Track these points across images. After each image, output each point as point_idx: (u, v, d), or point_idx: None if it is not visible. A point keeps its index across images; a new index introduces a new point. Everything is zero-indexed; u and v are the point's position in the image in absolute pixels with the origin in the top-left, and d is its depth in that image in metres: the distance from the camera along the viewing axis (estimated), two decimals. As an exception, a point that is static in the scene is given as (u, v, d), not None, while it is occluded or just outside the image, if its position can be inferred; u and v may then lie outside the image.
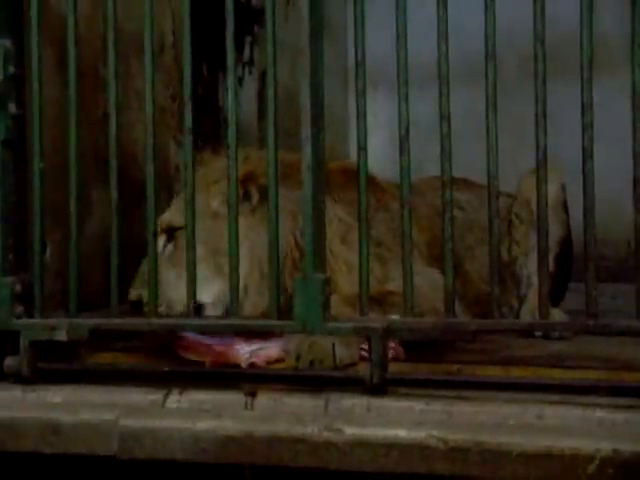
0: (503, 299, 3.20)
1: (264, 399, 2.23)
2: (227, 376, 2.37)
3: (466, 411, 2.10)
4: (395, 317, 2.37)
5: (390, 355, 2.43)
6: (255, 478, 2.25)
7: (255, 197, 2.72)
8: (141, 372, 2.42)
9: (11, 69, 2.47)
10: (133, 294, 2.59)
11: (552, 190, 3.17)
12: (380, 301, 2.59)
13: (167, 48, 3.43)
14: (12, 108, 2.46)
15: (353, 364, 2.41)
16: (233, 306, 2.33)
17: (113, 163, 2.42)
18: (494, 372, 2.37)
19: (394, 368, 2.27)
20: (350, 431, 2.05)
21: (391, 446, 2.01)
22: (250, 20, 4.09)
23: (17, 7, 2.50)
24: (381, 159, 3.28)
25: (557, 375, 2.31)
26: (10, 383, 2.40)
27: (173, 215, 2.73)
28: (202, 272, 2.50)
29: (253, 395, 2.24)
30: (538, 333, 2.84)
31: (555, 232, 3.19)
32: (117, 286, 2.41)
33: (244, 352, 2.46)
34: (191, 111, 2.36)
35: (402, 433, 2.03)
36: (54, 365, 2.42)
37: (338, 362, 2.36)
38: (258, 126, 4.08)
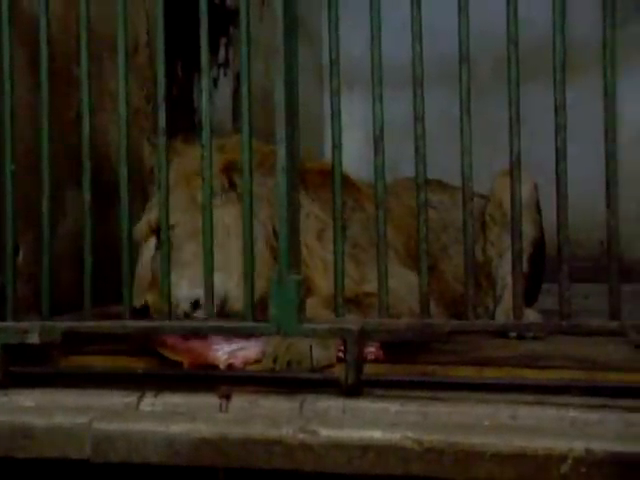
0: (478, 300, 3.23)
1: (239, 401, 2.22)
2: (202, 378, 2.36)
3: (441, 412, 2.11)
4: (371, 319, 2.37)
5: (371, 357, 2.45)
6: (230, 481, 2.24)
7: (240, 185, 2.68)
8: (115, 375, 2.41)
9: (-18, 69, 2.44)
10: (136, 302, 2.54)
11: (525, 190, 3.18)
12: (357, 302, 2.60)
13: (141, 48, 3.41)
14: (-17, 109, 2.44)
15: (330, 366, 2.41)
16: (208, 308, 2.33)
17: (86, 164, 2.40)
18: (469, 373, 2.37)
19: (370, 369, 2.27)
20: (325, 433, 2.05)
21: (366, 448, 2.01)
22: (225, 21, 4.08)
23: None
24: (356, 159, 3.28)
25: (531, 375, 2.32)
26: (-18, 387, 2.38)
27: (159, 216, 2.69)
28: (197, 268, 2.48)
29: (228, 397, 2.23)
30: (512, 333, 2.85)
31: (528, 232, 3.20)
32: (91, 288, 2.39)
33: (222, 353, 2.45)
34: (165, 112, 2.35)
35: (377, 435, 2.03)
36: (27, 369, 2.40)
37: (315, 364, 2.36)
38: (233, 127, 4.06)
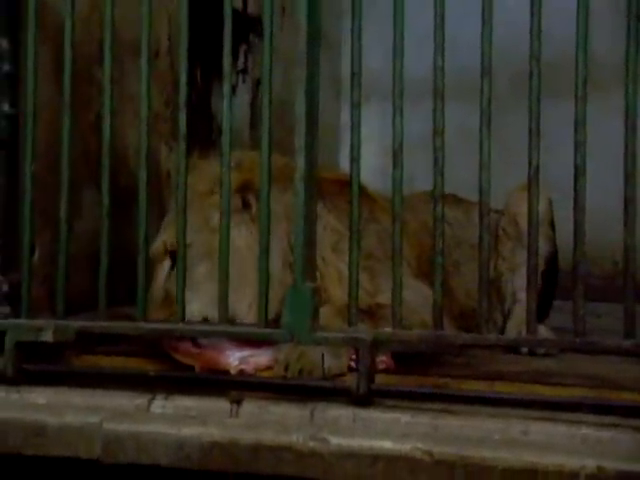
0: (489, 314, 3.22)
1: (250, 407, 2.22)
2: (213, 382, 2.36)
3: (452, 425, 2.10)
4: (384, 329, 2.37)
5: (381, 366, 2.45)
6: (239, 486, 2.24)
7: (254, 206, 2.66)
8: (127, 376, 2.41)
9: (6, 68, 2.46)
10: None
11: (540, 206, 3.18)
12: (370, 314, 2.60)
13: (162, 54, 3.43)
14: (6, 107, 2.46)
15: (342, 374, 2.41)
16: (221, 313, 2.33)
17: (105, 167, 2.41)
18: (480, 387, 2.37)
19: (381, 380, 2.27)
20: (335, 441, 2.05)
21: (376, 457, 2.01)
22: (246, 29, 4.10)
23: (14, 7, 2.49)
24: (372, 171, 3.29)
25: (543, 391, 2.32)
26: (-6, 383, 2.39)
27: (173, 236, 2.62)
28: (209, 288, 2.49)
29: (239, 402, 2.23)
30: (524, 349, 2.85)
31: (542, 248, 3.19)
32: (105, 289, 2.40)
33: (234, 359, 2.45)
34: (185, 117, 2.36)
35: (388, 445, 2.03)
36: (39, 366, 2.41)
37: (327, 372, 2.36)
38: (250, 134, 4.08)
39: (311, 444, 2.05)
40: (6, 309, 2.42)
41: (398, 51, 2.29)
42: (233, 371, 2.44)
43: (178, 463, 2.10)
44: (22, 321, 2.40)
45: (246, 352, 2.50)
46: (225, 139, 2.34)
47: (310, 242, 2.29)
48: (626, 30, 2.13)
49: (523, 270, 3.13)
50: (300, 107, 2.27)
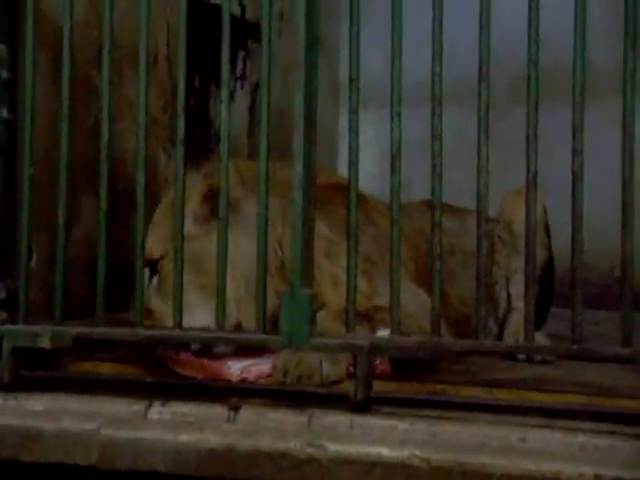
0: (487, 321, 3.23)
1: (247, 413, 2.21)
2: (211, 389, 2.36)
3: (450, 431, 2.10)
4: (382, 334, 2.37)
5: (379, 371, 2.44)
6: (236, 492, 2.23)
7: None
8: (124, 382, 2.41)
9: (4, 74, 2.46)
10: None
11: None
12: (368, 317, 2.60)
13: (161, 59, 3.43)
14: (4, 113, 2.45)
15: (340, 381, 2.41)
16: (219, 319, 2.33)
17: (104, 172, 2.41)
18: (478, 393, 2.37)
19: (379, 386, 2.27)
20: (333, 448, 2.05)
21: (374, 464, 2.01)
22: (244, 34, 4.10)
23: (12, 12, 2.49)
24: (369, 177, 3.29)
25: (540, 398, 2.32)
26: (-9, 390, 2.38)
27: (152, 246, 2.67)
28: (189, 298, 2.48)
29: (236, 409, 2.22)
30: (521, 356, 2.85)
31: (538, 255, 3.20)
32: (103, 294, 2.40)
33: (235, 368, 2.45)
34: (184, 123, 2.36)
35: (385, 451, 2.02)
36: (36, 373, 2.40)
37: (325, 378, 2.36)
38: (248, 140, 4.08)
39: (308, 450, 2.05)
40: (3, 315, 2.41)
41: (396, 56, 2.29)
42: (235, 380, 2.44)
43: (176, 470, 2.09)
44: (19, 327, 2.40)
45: (248, 361, 2.51)
46: (223, 145, 2.34)
47: (308, 248, 2.29)
48: (623, 36, 2.14)
49: (519, 277, 3.16)
50: (298, 112, 2.27)
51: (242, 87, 4.18)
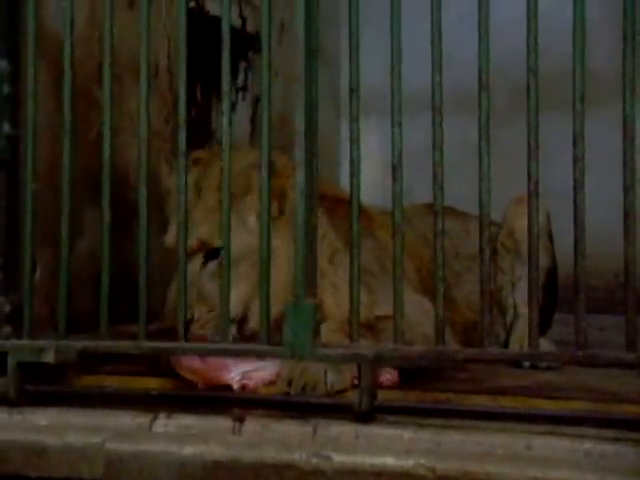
0: (491, 328, 3.22)
1: (252, 424, 2.21)
2: (216, 400, 2.36)
3: (455, 440, 2.10)
4: (386, 344, 2.36)
5: (387, 382, 2.44)
6: (241, 504, 2.23)
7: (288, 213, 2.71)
8: (129, 395, 2.41)
9: (6, 89, 2.47)
10: (180, 315, 2.48)
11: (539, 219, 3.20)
12: (369, 327, 2.60)
13: (162, 71, 3.44)
14: (6, 128, 2.47)
15: (344, 390, 2.41)
16: (223, 330, 2.33)
17: (106, 185, 2.42)
18: (483, 401, 2.36)
19: (383, 395, 2.27)
20: (338, 458, 2.05)
21: (379, 474, 2.01)
22: (245, 46, 4.11)
23: (13, 28, 2.51)
24: (371, 186, 3.29)
25: (545, 405, 2.31)
26: (-4, 404, 2.39)
27: (211, 232, 2.64)
28: (244, 288, 2.57)
29: (241, 420, 2.22)
30: (526, 363, 2.84)
31: (542, 262, 3.19)
32: (107, 308, 2.40)
33: (236, 374, 2.45)
34: (185, 135, 2.37)
35: (390, 461, 2.02)
36: (41, 387, 2.41)
37: (330, 388, 2.36)
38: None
39: (314, 461, 2.05)
40: (7, 329, 2.42)
41: (396, 65, 2.29)
42: (235, 386, 2.44)
43: (181, 482, 2.10)
44: (24, 342, 2.40)
45: (249, 366, 2.50)
46: (225, 156, 2.35)
47: (311, 258, 2.29)
48: (622, 42, 2.14)
49: (523, 283, 3.16)
50: (299, 123, 2.28)
51: (244, 98, 4.19)
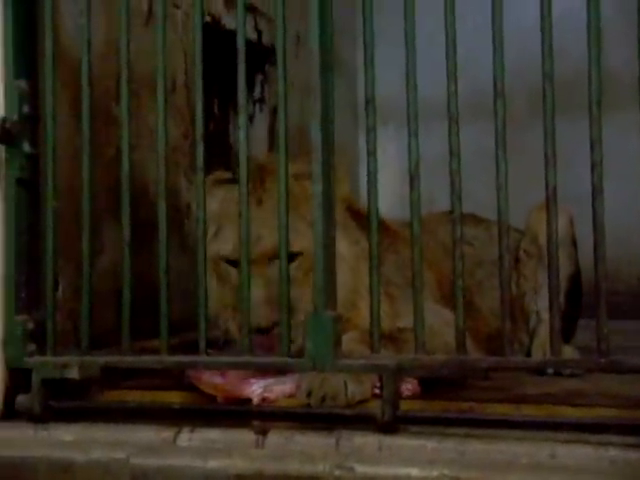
0: (514, 335, 3.20)
1: (275, 437, 2.22)
2: (238, 413, 2.36)
3: (478, 449, 2.09)
4: (407, 354, 2.36)
5: (407, 393, 2.44)
6: (265, 517, 2.23)
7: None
8: (152, 410, 2.42)
9: (26, 108, 2.50)
10: (264, 321, 2.52)
11: (561, 225, 3.15)
12: (392, 338, 2.59)
13: (179, 86, 3.46)
14: (26, 147, 2.49)
15: (365, 401, 2.41)
16: (244, 343, 2.34)
17: (125, 201, 2.44)
18: (506, 410, 2.35)
19: (406, 406, 2.26)
20: (361, 469, 2.04)
21: (403, 485, 2.00)
22: (261, 58, 4.13)
23: (32, 48, 2.54)
24: (390, 195, 3.30)
25: (569, 413, 2.29)
26: (22, 421, 2.41)
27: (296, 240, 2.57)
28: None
29: (264, 433, 2.23)
30: (550, 370, 2.83)
31: (564, 267, 3.19)
32: (128, 323, 2.42)
33: (257, 387, 2.46)
34: (203, 149, 2.38)
35: (414, 472, 2.02)
36: (66, 403, 2.43)
37: (350, 399, 2.35)
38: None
39: (337, 473, 2.05)
40: (32, 346, 2.44)
41: (411, 75, 2.29)
42: (256, 399, 2.44)
43: (205, 496, 2.10)
44: (48, 359, 2.43)
45: (270, 380, 2.51)
46: (242, 170, 2.36)
47: (330, 269, 2.30)
48: (638, 46, 2.13)
49: (545, 290, 3.12)
50: (316, 135, 2.28)
51: (261, 110, 4.20)
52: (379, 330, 2.29)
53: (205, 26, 2.45)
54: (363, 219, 2.64)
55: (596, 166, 2.14)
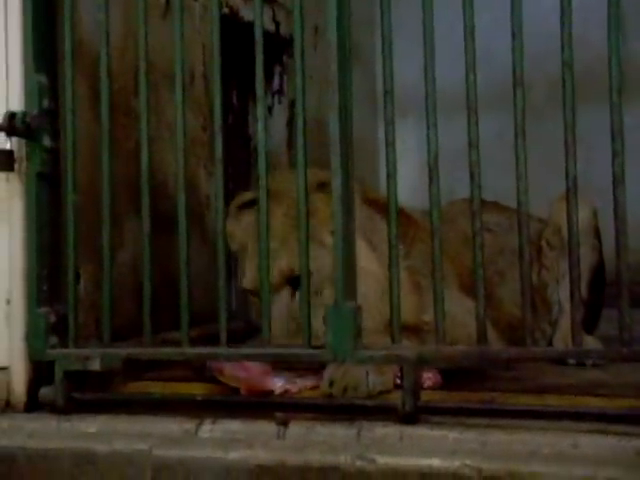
0: (535, 325, 3.19)
1: (296, 428, 2.22)
2: (260, 405, 2.37)
3: (500, 440, 2.08)
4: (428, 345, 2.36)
5: (428, 383, 2.44)
6: (288, 508, 2.24)
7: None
8: (174, 401, 2.44)
9: (46, 103, 2.51)
10: None
11: (583, 216, 3.16)
12: (418, 329, 2.59)
13: (197, 79, 3.47)
14: (47, 141, 2.50)
15: (387, 391, 2.41)
16: (265, 335, 2.34)
17: (145, 194, 2.45)
18: (528, 400, 2.35)
19: (427, 396, 2.26)
20: (383, 460, 2.04)
21: (425, 475, 2.00)
22: (279, 49, 4.13)
23: (51, 42, 2.55)
24: (411, 186, 3.28)
25: (592, 403, 2.29)
26: (45, 413, 2.43)
27: (293, 262, 2.58)
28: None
29: (285, 424, 2.24)
30: (572, 360, 2.81)
31: (587, 258, 3.17)
32: (149, 315, 2.43)
33: (279, 379, 2.47)
34: (222, 141, 2.39)
35: (436, 462, 2.01)
36: (88, 395, 2.45)
37: (371, 389, 2.36)
38: (288, 154, 4.10)
39: (358, 464, 2.05)
40: (54, 339, 2.45)
41: (429, 66, 2.28)
42: (278, 392, 2.45)
43: (227, 487, 2.11)
44: (70, 351, 2.44)
45: (292, 373, 2.52)
46: (261, 162, 2.36)
47: (350, 261, 2.29)
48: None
49: (567, 280, 3.12)
50: (334, 128, 2.28)
51: (280, 102, 4.20)
52: (399, 320, 2.29)
53: (223, 18, 2.46)
54: (383, 209, 2.65)
55: (617, 155, 2.12)
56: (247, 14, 3.69)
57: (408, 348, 2.27)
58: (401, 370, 2.20)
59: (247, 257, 2.73)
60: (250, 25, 2.44)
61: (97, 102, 2.51)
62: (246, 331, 2.90)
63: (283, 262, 2.62)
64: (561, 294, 3.28)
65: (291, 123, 4.18)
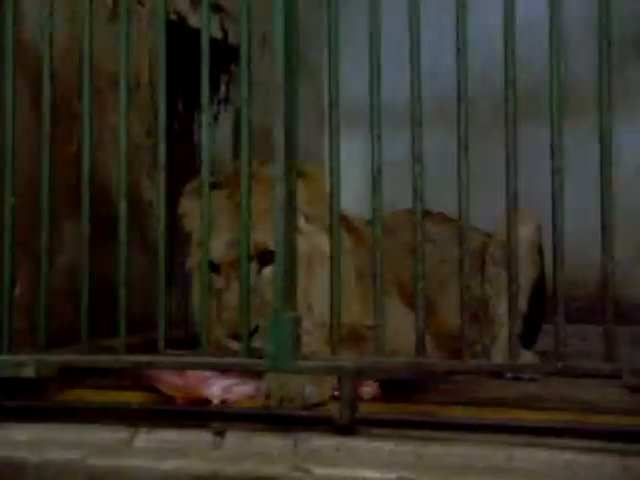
0: (477, 337, 3.22)
1: (233, 438, 2.21)
2: (196, 414, 2.35)
3: (436, 452, 2.09)
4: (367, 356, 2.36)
5: (367, 395, 2.44)
6: (222, 519, 2.22)
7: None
8: (109, 409, 2.40)
9: (-16, 103, 2.46)
10: (243, 330, 2.39)
11: (526, 231, 3.21)
12: (360, 336, 2.60)
13: (143, 84, 3.43)
14: (-16, 142, 2.45)
15: (323, 403, 2.40)
16: (202, 343, 2.32)
17: (85, 199, 2.42)
18: (464, 413, 2.36)
19: (365, 408, 2.26)
20: (319, 471, 2.04)
21: (360, 487, 2.00)
22: (227, 58, 4.11)
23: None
24: (357, 197, 3.29)
25: (527, 417, 2.31)
26: (-25, 421, 2.37)
27: (266, 236, 2.54)
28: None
29: (222, 434, 2.22)
30: (509, 374, 2.84)
31: (528, 273, 3.22)
32: (87, 322, 2.39)
33: (217, 388, 2.45)
34: (165, 148, 2.37)
35: (371, 474, 2.02)
36: (20, 402, 2.39)
37: (307, 401, 2.35)
38: (233, 162, 4.07)
39: (294, 474, 2.04)
40: (-14, 345, 2.40)
41: (374, 79, 2.30)
42: (216, 400, 2.43)
43: (161, 497, 2.08)
44: (4, 357, 2.39)
45: (230, 381, 2.50)
46: (204, 169, 2.35)
47: (290, 270, 2.29)
48: (598, 54, 2.15)
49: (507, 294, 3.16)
50: (278, 136, 2.28)
51: (226, 110, 4.18)
52: (338, 333, 2.28)
53: (170, 24, 2.44)
54: (344, 220, 2.66)
55: (557, 172, 2.16)
56: (195, 21, 3.67)
57: (347, 359, 2.27)
58: (339, 381, 2.20)
59: (213, 233, 2.66)
60: (198, 32, 2.42)
61: (39, 104, 2.47)
62: (185, 340, 2.87)
63: (258, 235, 2.54)
64: (501, 307, 3.31)
65: (237, 131, 4.16)
